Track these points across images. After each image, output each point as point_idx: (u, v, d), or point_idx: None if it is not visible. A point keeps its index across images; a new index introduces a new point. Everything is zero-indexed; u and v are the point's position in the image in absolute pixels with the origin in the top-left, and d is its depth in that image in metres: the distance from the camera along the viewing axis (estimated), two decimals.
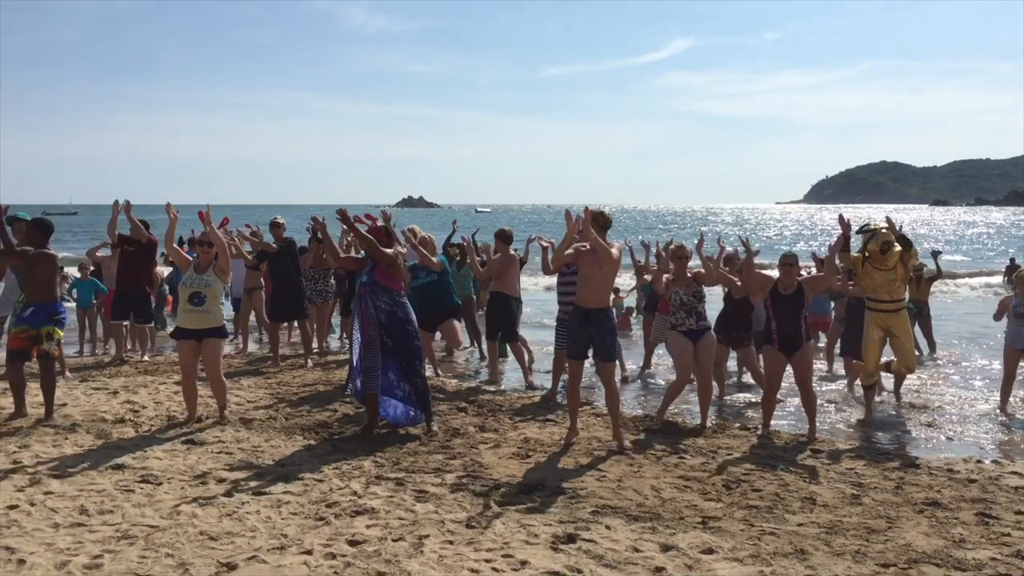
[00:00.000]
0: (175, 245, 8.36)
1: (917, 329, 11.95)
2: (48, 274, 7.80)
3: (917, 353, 11.50)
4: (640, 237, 9.72)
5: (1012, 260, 28.36)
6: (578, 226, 7.07)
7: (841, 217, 8.31)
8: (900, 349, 8.48)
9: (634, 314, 16.05)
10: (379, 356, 7.27)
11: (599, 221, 7.10)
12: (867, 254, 8.28)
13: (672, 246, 8.47)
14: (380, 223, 7.66)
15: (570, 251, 7.13)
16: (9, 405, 8.24)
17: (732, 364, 10.57)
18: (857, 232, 8.42)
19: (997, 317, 9.44)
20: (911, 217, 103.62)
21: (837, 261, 8.11)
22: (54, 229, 8.20)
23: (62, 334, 8.09)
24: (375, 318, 7.27)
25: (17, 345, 7.81)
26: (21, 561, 4.61)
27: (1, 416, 7.84)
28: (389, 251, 7.33)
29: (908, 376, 9.44)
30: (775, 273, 7.89)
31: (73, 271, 13.10)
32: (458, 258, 12.27)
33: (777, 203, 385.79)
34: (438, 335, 10.71)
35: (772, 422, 7.98)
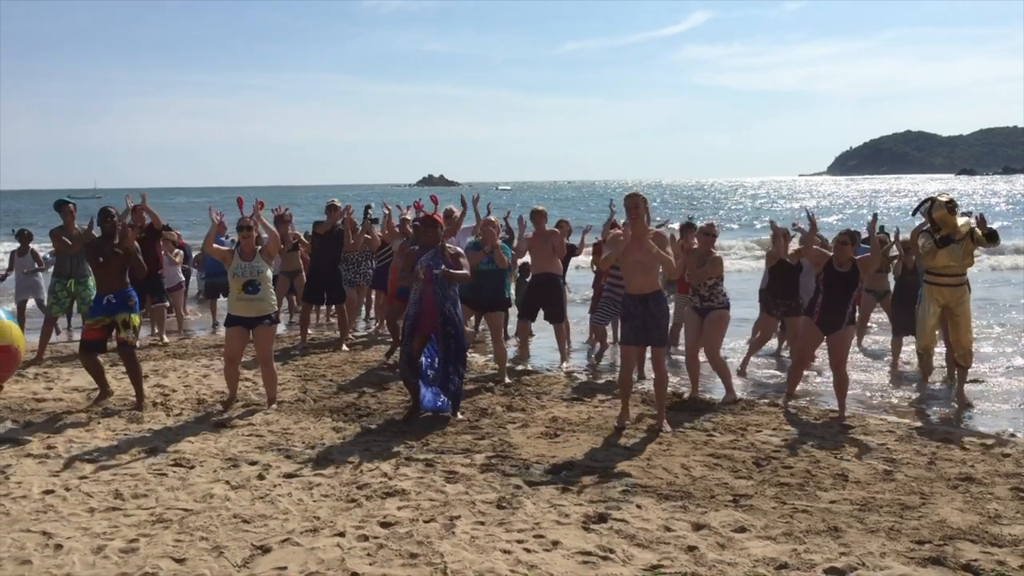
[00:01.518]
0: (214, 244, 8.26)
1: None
2: (123, 262, 7.81)
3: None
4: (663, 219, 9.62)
5: None
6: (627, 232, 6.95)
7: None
8: (958, 325, 8.19)
9: None
10: (439, 346, 7.28)
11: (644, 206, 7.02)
12: (934, 228, 8.07)
13: (703, 223, 8.49)
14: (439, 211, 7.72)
15: (609, 252, 7.08)
16: (43, 391, 8.35)
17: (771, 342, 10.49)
18: (914, 212, 8.35)
19: None
20: (940, 187, 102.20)
21: (896, 246, 8.08)
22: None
23: (138, 321, 8.06)
24: (441, 307, 7.22)
25: (93, 336, 7.77)
26: (59, 546, 4.66)
27: (74, 400, 7.93)
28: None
29: (966, 353, 8.40)
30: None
31: None
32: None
33: (801, 175, 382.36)
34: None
35: (802, 399, 7.93)
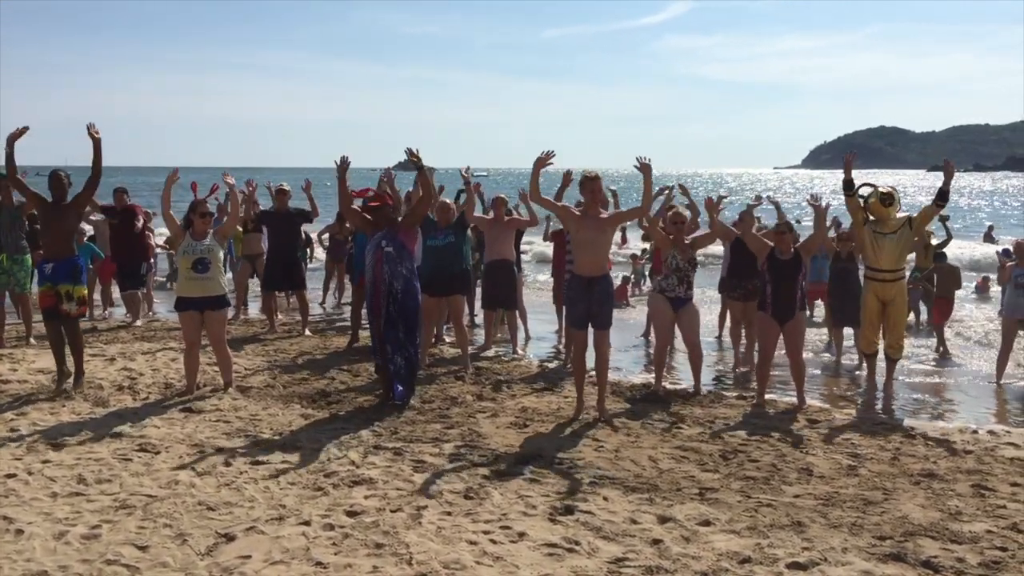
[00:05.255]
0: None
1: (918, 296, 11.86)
2: (71, 226, 7.68)
3: (913, 320, 11.52)
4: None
5: (990, 228, 28.48)
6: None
7: (847, 158, 8.31)
8: (892, 321, 8.19)
9: (631, 283, 16.03)
10: (382, 327, 7.25)
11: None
12: (868, 214, 8.14)
13: (670, 212, 8.40)
14: (378, 190, 7.62)
15: (562, 205, 7.21)
16: (7, 372, 8.24)
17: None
18: (858, 189, 8.29)
19: (1000, 281, 9.45)
20: (907, 181, 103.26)
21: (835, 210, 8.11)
22: (71, 184, 7.99)
23: (84, 291, 7.84)
24: (388, 288, 7.19)
25: (46, 304, 7.63)
26: (19, 531, 4.61)
27: (35, 381, 7.83)
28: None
29: (898, 347, 8.43)
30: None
31: None
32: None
33: (775, 168, 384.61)
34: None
35: (770, 393, 7.98)
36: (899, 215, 8.11)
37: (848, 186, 8.23)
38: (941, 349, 10.65)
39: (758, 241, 7.91)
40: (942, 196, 8.02)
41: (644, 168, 6.90)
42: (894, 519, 5.00)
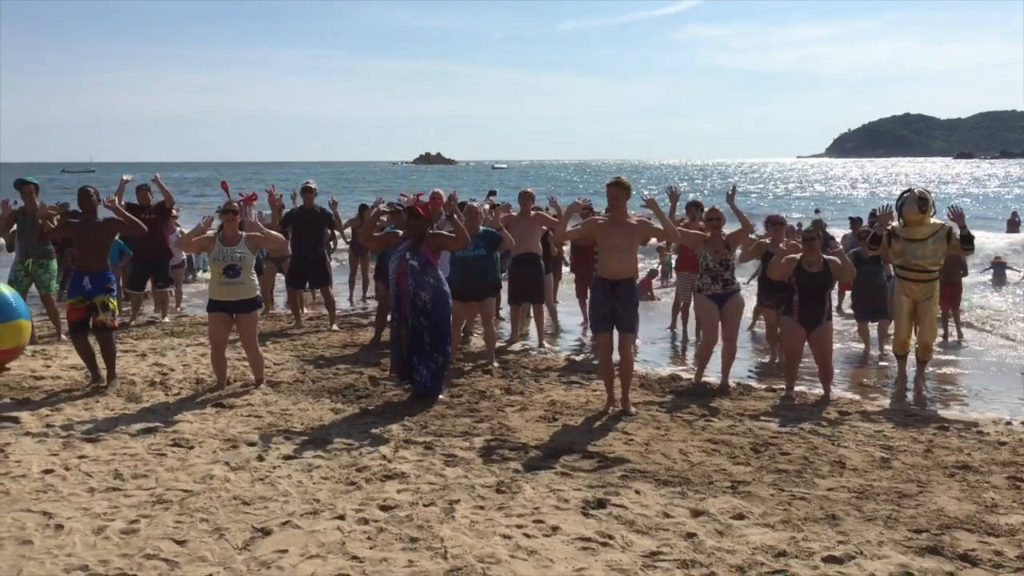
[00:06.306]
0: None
1: None
2: (104, 242, 7.78)
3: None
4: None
5: (1014, 214, 28.24)
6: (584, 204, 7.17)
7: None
8: (924, 322, 8.06)
9: (657, 276, 15.98)
10: (408, 336, 7.25)
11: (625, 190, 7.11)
12: (901, 222, 8.06)
13: (707, 210, 8.39)
14: (423, 199, 7.64)
15: (579, 225, 7.28)
16: (41, 369, 8.35)
17: None
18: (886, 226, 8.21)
19: None
20: (938, 170, 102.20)
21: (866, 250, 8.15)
22: (99, 199, 8.13)
23: (116, 304, 7.95)
24: (412, 299, 7.18)
25: (76, 317, 7.71)
26: (59, 526, 4.67)
27: (68, 384, 7.93)
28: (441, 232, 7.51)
29: (928, 348, 8.31)
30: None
31: None
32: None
33: (798, 157, 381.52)
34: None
35: (800, 385, 7.94)
36: (933, 220, 8.01)
37: (875, 241, 8.21)
38: (955, 335, 10.62)
39: (782, 268, 7.70)
40: (967, 241, 7.96)
41: (650, 203, 7.12)
42: (929, 512, 4.97)
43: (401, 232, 7.64)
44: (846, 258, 7.94)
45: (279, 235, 8.34)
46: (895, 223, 8.17)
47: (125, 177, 10.76)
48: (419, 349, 7.25)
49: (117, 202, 9.07)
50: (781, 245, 8.21)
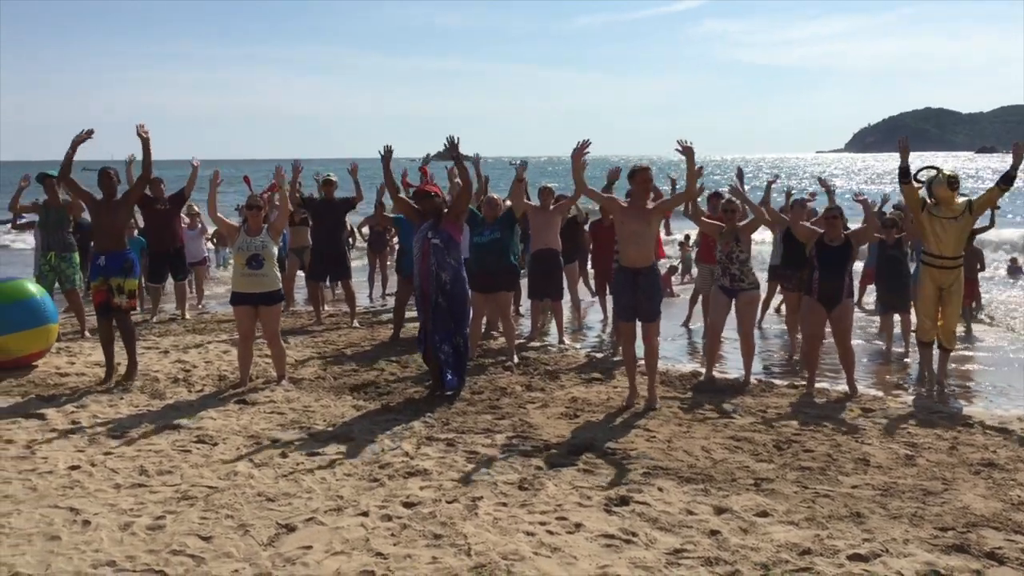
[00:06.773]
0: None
1: None
2: (119, 224, 7.81)
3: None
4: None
5: None
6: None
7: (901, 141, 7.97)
8: (948, 309, 7.93)
9: (677, 272, 15.93)
10: (430, 317, 7.29)
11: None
12: (931, 199, 7.92)
13: (722, 201, 8.33)
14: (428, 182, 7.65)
15: (608, 196, 7.47)
16: (66, 366, 8.43)
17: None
18: (917, 174, 7.95)
19: None
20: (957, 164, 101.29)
21: (893, 203, 7.93)
22: (120, 181, 8.18)
23: (134, 285, 7.98)
24: (435, 278, 7.23)
25: (100, 299, 7.75)
26: (86, 522, 4.72)
27: (83, 379, 8.00)
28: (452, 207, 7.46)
29: (951, 336, 8.13)
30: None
31: None
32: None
33: (818, 152, 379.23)
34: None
35: (822, 382, 7.90)
36: (959, 200, 7.90)
37: (904, 174, 7.86)
38: (965, 328, 10.58)
39: (806, 230, 7.82)
40: (1007, 179, 7.72)
41: (687, 151, 6.82)
42: (955, 510, 4.93)
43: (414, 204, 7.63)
44: (871, 213, 7.82)
45: (287, 206, 8.13)
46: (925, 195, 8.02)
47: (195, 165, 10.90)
48: (442, 327, 7.29)
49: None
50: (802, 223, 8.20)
